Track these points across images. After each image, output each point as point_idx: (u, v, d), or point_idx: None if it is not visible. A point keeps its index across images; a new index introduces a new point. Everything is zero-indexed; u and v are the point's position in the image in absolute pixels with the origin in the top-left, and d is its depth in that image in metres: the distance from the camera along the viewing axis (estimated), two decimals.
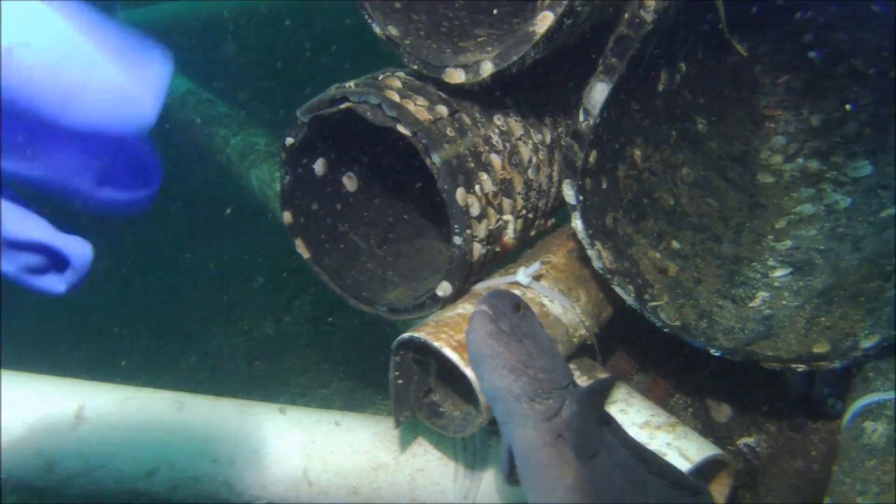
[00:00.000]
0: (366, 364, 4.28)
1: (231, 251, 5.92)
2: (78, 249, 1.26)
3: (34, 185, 1.14)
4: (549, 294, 2.82)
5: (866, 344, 2.58)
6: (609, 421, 2.10)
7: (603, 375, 2.97)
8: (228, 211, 5.45)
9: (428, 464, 3.05)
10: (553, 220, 3.19)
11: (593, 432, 1.95)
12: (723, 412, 3.18)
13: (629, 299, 2.77)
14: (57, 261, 1.24)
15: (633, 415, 2.78)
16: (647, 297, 2.78)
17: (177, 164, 6.17)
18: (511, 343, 1.90)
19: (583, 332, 2.90)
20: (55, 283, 1.26)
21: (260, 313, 5.32)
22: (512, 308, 1.96)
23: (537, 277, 2.85)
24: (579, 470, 1.92)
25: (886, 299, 2.66)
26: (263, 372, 4.65)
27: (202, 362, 4.95)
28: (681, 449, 2.63)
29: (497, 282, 2.85)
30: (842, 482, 2.38)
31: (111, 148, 1.17)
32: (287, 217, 3.02)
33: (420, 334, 2.60)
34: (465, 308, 2.73)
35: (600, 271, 2.79)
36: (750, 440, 3.10)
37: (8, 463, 2.77)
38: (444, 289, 2.76)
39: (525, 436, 1.95)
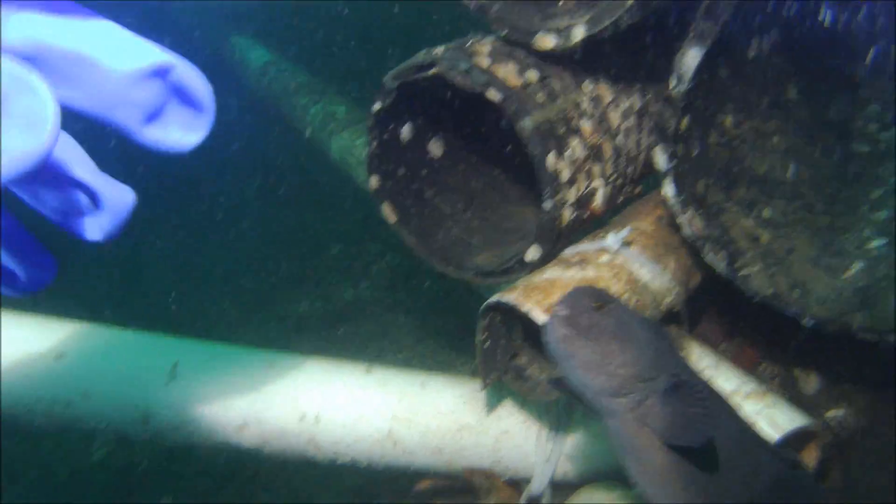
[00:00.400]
0: (444, 329, 4.33)
1: (310, 219, 6.01)
2: (118, 195, 1.14)
3: (79, 115, 1.04)
4: (639, 260, 2.82)
5: None
6: (712, 396, 2.10)
7: (690, 343, 2.96)
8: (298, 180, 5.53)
9: (512, 426, 3.09)
10: (641, 187, 3.17)
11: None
12: (811, 383, 3.13)
13: (720, 267, 2.75)
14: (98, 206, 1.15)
15: (722, 382, 2.76)
16: (738, 265, 2.75)
17: (258, 135, 6.30)
18: (586, 344, 1.91)
19: (671, 299, 2.89)
20: (91, 229, 1.15)
21: (338, 279, 5.40)
22: (591, 305, 1.97)
23: (627, 243, 2.85)
24: (668, 454, 1.95)
25: None
26: (342, 336, 4.73)
27: (281, 325, 5.07)
28: (771, 417, 2.62)
29: (586, 247, 2.85)
30: None
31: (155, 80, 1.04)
32: (374, 181, 3.06)
33: (509, 297, 2.63)
34: (553, 273, 2.74)
35: (691, 238, 2.77)
36: (838, 413, 3.05)
37: (104, 414, 2.89)
38: (532, 253, 2.77)
39: (611, 425, 2.01)
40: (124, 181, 1.14)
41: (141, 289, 5.85)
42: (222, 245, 6.11)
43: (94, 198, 1.12)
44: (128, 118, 1.02)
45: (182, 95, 1.07)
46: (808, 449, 2.78)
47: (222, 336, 3.16)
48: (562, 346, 1.95)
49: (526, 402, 3.10)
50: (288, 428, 3.00)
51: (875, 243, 2.90)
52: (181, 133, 1.08)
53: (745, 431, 2.13)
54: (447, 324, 4.28)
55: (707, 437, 1.94)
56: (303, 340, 4.09)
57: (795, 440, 2.72)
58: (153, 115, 1.04)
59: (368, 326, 4.74)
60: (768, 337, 3.24)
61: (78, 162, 1.11)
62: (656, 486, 2.03)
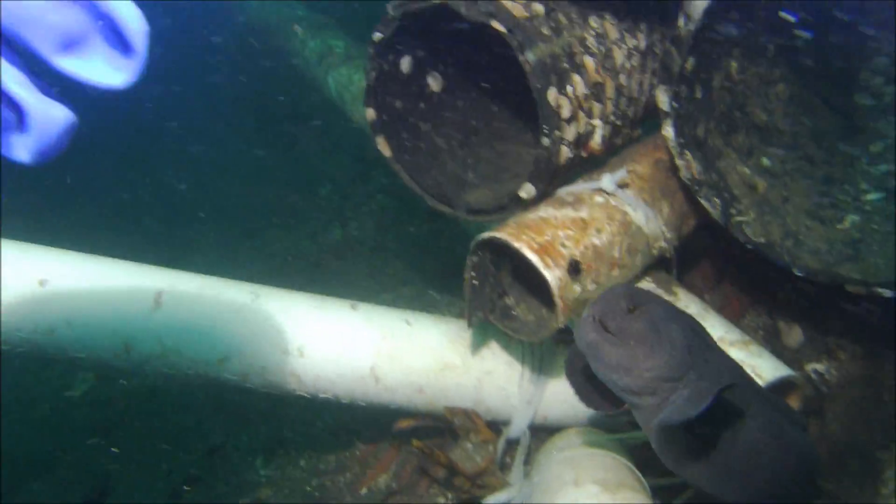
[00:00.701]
0: (431, 271, 4.30)
1: (302, 157, 5.94)
2: (49, 113, 1.06)
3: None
4: (633, 202, 2.79)
5: None
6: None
7: (678, 290, 2.94)
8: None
9: (495, 367, 3.08)
10: (640, 130, 3.12)
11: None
12: (794, 336, 3.14)
13: (715, 213, 2.72)
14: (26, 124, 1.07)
15: (708, 331, 2.75)
16: (733, 211, 2.73)
17: (255, 69, 6.20)
18: (614, 348, 1.96)
19: (663, 243, 2.87)
20: (18, 149, 1.07)
21: (327, 218, 5.36)
22: (623, 308, 2.00)
23: (622, 185, 2.81)
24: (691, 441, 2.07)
25: None
26: (329, 275, 4.70)
27: (269, 263, 5.03)
28: (754, 367, 2.62)
29: (581, 187, 2.81)
30: None
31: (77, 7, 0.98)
32: (370, 114, 3.00)
33: (500, 234, 2.59)
34: (546, 212, 2.71)
35: (687, 182, 2.74)
36: (820, 366, 3.06)
37: (86, 342, 2.84)
38: (527, 190, 2.73)
39: (636, 414, 2.12)
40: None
41: (131, 219, 5.80)
42: (212, 180, 6.06)
43: (20, 114, 1.05)
44: (41, 41, 0.98)
45: (114, 33, 1.02)
46: (789, 400, 2.79)
47: (209, 271, 3.12)
48: (591, 348, 2.00)
49: (510, 343, 3.09)
50: (270, 361, 2.97)
51: (871, 196, 2.88)
52: (105, 70, 1.04)
53: (778, 416, 2.21)
54: (435, 266, 4.25)
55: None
56: (289, 278, 4.04)
57: (777, 391, 2.72)
58: (71, 44, 1.01)
59: (356, 266, 4.71)
60: (755, 289, 3.24)
61: (6, 74, 1.04)
62: (681, 466, 2.13)
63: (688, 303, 2.89)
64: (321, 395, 3.07)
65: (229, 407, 4.12)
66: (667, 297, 2.89)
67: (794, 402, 2.79)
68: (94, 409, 4.42)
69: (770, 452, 2.13)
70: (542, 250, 2.54)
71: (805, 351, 3.12)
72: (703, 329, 2.17)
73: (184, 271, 3.07)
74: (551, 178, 2.74)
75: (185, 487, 3.84)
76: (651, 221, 2.81)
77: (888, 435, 2.66)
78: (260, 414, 4.01)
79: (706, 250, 3.28)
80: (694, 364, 2.00)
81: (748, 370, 2.59)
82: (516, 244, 2.54)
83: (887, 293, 2.58)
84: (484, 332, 3.09)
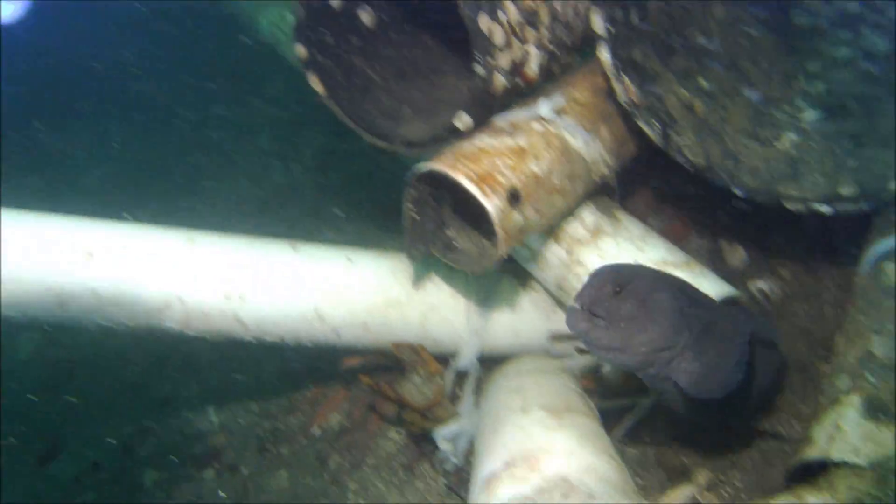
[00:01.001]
0: (374, 209, 4.24)
1: (241, 101, 5.79)
2: None
3: None
4: (572, 128, 2.76)
5: (895, 186, 2.52)
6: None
7: (620, 214, 2.93)
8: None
9: (440, 300, 3.06)
10: (576, 57, 3.08)
11: None
12: (737, 256, 3.16)
13: (654, 135, 2.70)
14: None
15: (650, 252, 2.75)
16: (672, 134, 2.71)
17: (185, 16, 6.01)
18: (606, 332, 2.04)
19: (604, 169, 2.85)
20: None
21: (269, 162, 5.25)
22: (609, 291, 2.06)
23: (560, 112, 2.77)
24: None
25: None
26: (273, 218, 4.62)
27: (211, 209, 4.93)
28: (697, 287, 2.61)
29: (518, 114, 2.77)
30: (857, 321, 2.38)
31: None
32: (300, 51, 2.91)
33: (437, 165, 2.55)
34: (483, 141, 2.66)
35: (626, 105, 2.71)
36: (763, 285, 3.09)
37: (18, 300, 2.75)
38: (463, 120, 2.68)
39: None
40: None
41: (69, 173, 5.65)
42: (149, 129, 5.90)
43: None
44: None
45: None
46: None
47: (150, 222, 3.02)
48: (584, 338, 2.07)
49: (454, 276, 3.06)
50: (212, 307, 2.90)
51: (809, 115, 2.88)
52: None
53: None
54: (378, 204, 4.18)
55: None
56: (232, 223, 3.96)
57: None
58: None
59: (299, 208, 4.63)
60: (697, 211, 3.25)
61: None
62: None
63: (629, 226, 2.88)
64: (267, 339, 3.02)
65: (176, 358, 4.07)
66: (608, 221, 2.88)
67: None
68: (41, 368, 4.33)
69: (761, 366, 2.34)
70: (481, 180, 2.50)
71: (748, 270, 3.14)
72: (688, 285, 2.25)
73: (116, 221, 2.98)
74: (487, 107, 2.69)
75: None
76: (591, 147, 2.79)
77: (827, 347, 2.70)
78: (208, 362, 3.96)
79: (648, 175, 3.27)
80: (688, 325, 2.07)
81: None
82: (454, 174, 2.50)
83: (825, 209, 2.59)
84: (427, 265, 3.06)
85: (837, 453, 1.96)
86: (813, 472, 1.98)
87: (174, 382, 4.03)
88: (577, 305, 2.07)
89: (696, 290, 2.25)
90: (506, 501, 1.81)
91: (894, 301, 2.33)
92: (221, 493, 3.44)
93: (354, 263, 3.09)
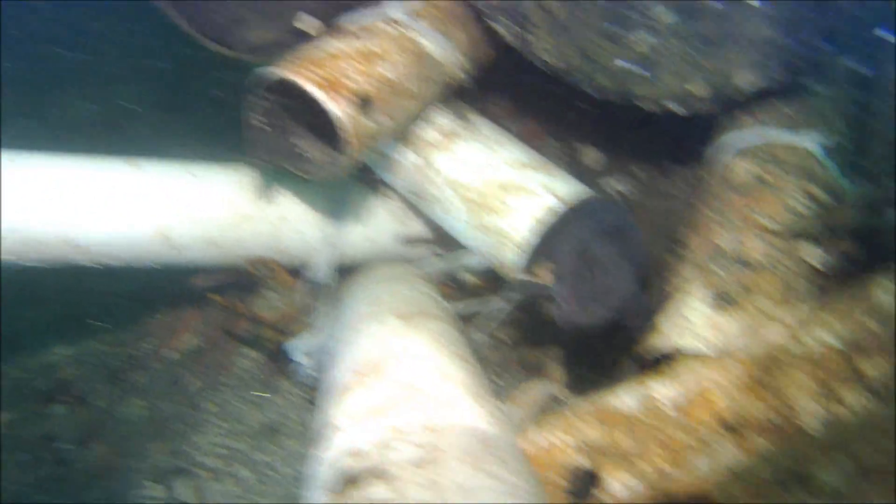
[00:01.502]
0: (225, 125, 4.03)
1: (83, 20, 5.39)
2: None
3: None
4: (427, 32, 2.65)
5: (745, 86, 2.55)
6: None
7: (475, 118, 2.87)
8: None
9: (291, 212, 2.93)
10: None
11: None
12: (593, 157, 3.16)
13: (511, 39, 2.64)
14: None
15: (505, 154, 2.71)
16: (529, 37, 2.64)
17: None
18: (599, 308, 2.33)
19: (458, 73, 2.76)
20: None
21: (113, 81, 4.92)
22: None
23: (415, 15, 2.66)
24: None
25: (769, 45, 2.61)
26: (118, 137, 4.35)
27: (51, 130, 4.60)
28: (553, 189, 2.59)
29: (370, 18, 2.64)
30: (704, 215, 2.41)
31: None
32: None
33: (280, 70, 2.41)
34: (330, 44, 2.52)
35: (483, 9, 2.63)
36: (620, 186, 3.10)
37: None
38: (307, 23, 2.54)
39: None
40: None
41: None
42: None
43: None
44: None
45: None
46: None
47: None
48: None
49: (305, 186, 2.93)
50: (48, 235, 2.68)
51: (663, 16, 2.86)
52: None
53: None
54: (228, 120, 3.98)
55: None
56: (76, 145, 3.70)
57: None
58: None
59: (146, 127, 4.37)
60: (555, 115, 3.22)
61: None
62: None
63: (483, 129, 2.83)
64: (110, 264, 2.83)
65: (15, 290, 3.79)
66: (461, 124, 2.81)
67: None
68: None
69: None
70: (328, 84, 2.37)
71: (604, 171, 3.15)
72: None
73: None
74: (335, 8, 2.55)
75: None
76: (446, 51, 2.69)
77: (679, 242, 2.75)
78: (53, 292, 3.71)
79: (505, 79, 3.21)
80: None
81: (549, 193, 2.59)
82: (298, 79, 2.37)
83: (679, 109, 2.60)
84: (276, 177, 2.91)
85: (682, 342, 1.99)
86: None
87: (14, 315, 3.77)
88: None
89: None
90: (356, 411, 1.76)
91: (739, 196, 2.36)
92: (72, 428, 3.28)
93: (199, 179, 2.91)
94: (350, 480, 1.40)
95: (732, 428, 1.49)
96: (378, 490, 1.35)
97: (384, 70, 2.51)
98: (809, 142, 2.40)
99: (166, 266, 2.90)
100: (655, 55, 2.76)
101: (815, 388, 1.46)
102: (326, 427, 1.73)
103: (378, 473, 1.37)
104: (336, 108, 2.35)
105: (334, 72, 2.42)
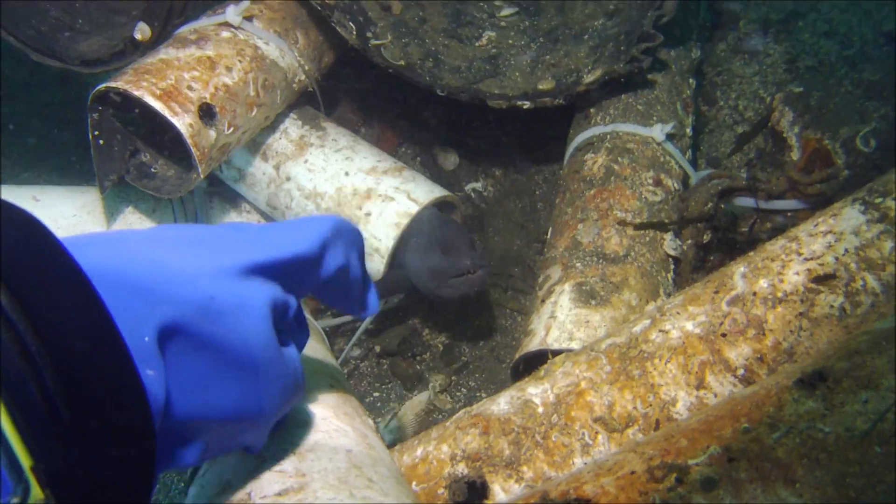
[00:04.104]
0: (67, 144, 3.80)
1: None
2: None
3: None
4: (264, 35, 2.56)
5: (589, 79, 2.58)
6: None
7: (326, 124, 2.80)
8: None
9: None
10: None
11: None
12: (450, 160, 3.15)
13: (350, 37, 2.58)
14: None
15: (359, 161, 2.65)
16: (369, 35, 2.59)
17: None
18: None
19: (302, 77, 2.69)
20: None
21: None
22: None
23: (249, 17, 2.57)
24: None
25: (609, 36, 2.66)
26: None
27: None
28: (408, 192, 2.56)
29: (205, 23, 2.53)
30: (564, 212, 2.43)
31: None
32: None
33: (117, 83, 2.28)
34: (168, 53, 2.41)
35: (319, 7, 2.56)
36: (477, 185, 3.11)
37: None
38: (142, 31, 2.42)
39: None
40: None
41: None
42: None
43: None
44: None
45: None
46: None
47: None
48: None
49: (159, 205, 2.79)
50: None
51: (505, 12, 2.88)
52: None
53: None
54: (72, 138, 3.75)
55: None
56: None
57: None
58: None
59: None
60: (407, 119, 3.19)
61: None
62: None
63: (337, 136, 2.76)
64: None
65: None
66: (314, 132, 2.74)
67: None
68: None
69: None
70: (167, 95, 2.26)
71: (462, 172, 3.14)
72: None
73: None
74: (167, 16, 2.44)
75: None
76: (286, 54, 2.61)
77: (541, 241, 2.77)
78: None
79: (356, 84, 3.16)
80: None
81: (403, 196, 2.56)
82: (136, 91, 2.24)
83: (525, 104, 2.61)
84: (126, 196, 2.77)
85: (554, 341, 2.00)
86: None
87: None
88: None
89: None
90: None
91: (595, 190, 2.40)
92: None
93: (41, 202, 2.73)
94: None
95: (604, 422, 1.50)
96: None
97: (224, 77, 2.42)
98: (656, 132, 2.46)
99: None
100: (501, 52, 2.78)
101: (681, 375, 1.49)
102: None
103: None
104: (178, 119, 2.24)
105: (173, 82, 2.31)
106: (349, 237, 1.13)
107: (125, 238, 0.87)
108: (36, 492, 0.59)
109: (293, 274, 1.00)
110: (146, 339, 0.74)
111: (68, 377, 0.63)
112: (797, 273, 1.50)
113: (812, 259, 1.51)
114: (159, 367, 0.74)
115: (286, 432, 1.42)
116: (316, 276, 1.06)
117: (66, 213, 2.74)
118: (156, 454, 0.71)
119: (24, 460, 0.58)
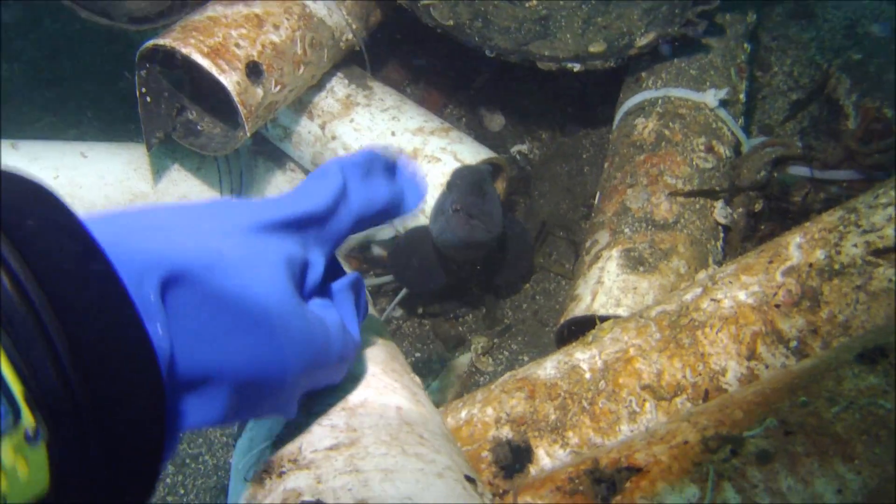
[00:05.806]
0: (110, 103, 3.82)
1: None
2: None
3: None
4: None
5: (642, 42, 2.53)
6: None
7: (373, 84, 2.78)
8: None
9: (191, 190, 2.81)
10: None
11: None
12: (496, 121, 3.11)
13: None
14: None
15: (406, 121, 2.64)
16: None
17: None
18: (480, 229, 2.29)
19: (350, 35, 2.67)
20: None
21: None
22: (478, 194, 2.30)
23: None
24: None
25: None
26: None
27: None
28: (455, 153, 2.55)
29: None
30: (613, 177, 2.40)
31: None
32: None
33: (165, 40, 2.28)
34: (215, 10, 2.40)
35: None
36: (523, 147, 3.07)
37: None
38: None
39: None
40: None
41: None
42: None
43: None
44: None
45: None
46: (497, 182, 2.78)
47: None
48: (466, 239, 2.31)
49: (204, 163, 2.81)
50: None
51: None
52: None
53: None
54: (114, 95, 3.77)
55: None
56: None
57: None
58: None
59: (29, 104, 4.11)
60: (453, 79, 3.16)
61: None
62: None
63: (383, 96, 2.74)
64: None
65: None
66: (361, 92, 2.73)
67: (500, 185, 2.79)
68: None
69: None
70: (214, 53, 2.25)
71: (508, 134, 3.11)
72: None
73: None
74: None
75: None
76: (334, 13, 2.59)
77: (588, 205, 2.73)
78: None
79: (403, 44, 3.12)
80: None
81: (449, 156, 2.54)
82: (184, 49, 2.24)
83: (576, 67, 2.57)
84: (172, 154, 2.79)
85: (600, 307, 1.98)
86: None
87: None
88: (457, 209, 2.24)
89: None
90: None
91: (645, 155, 2.36)
92: None
93: (89, 158, 2.76)
94: (266, 469, 1.33)
95: (652, 390, 1.48)
96: (296, 478, 1.28)
97: (272, 35, 2.41)
98: (709, 97, 2.41)
99: None
100: (551, 13, 2.73)
101: (732, 345, 1.46)
102: None
103: (294, 459, 1.31)
104: (225, 77, 2.24)
105: (221, 39, 2.30)
106: (361, 169, 1.09)
107: (131, 209, 0.86)
108: (27, 417, 0.59)
109: (310, 228, 0.98)
110: (151, 286, 0.73)
111: (72, 323, 0.62)
112: (855, 245, 1.46)
113: (871, 231, 1.47)
114: (161, 317, 0.74)
115: (335, 387, 1.42)
116: (339, 224, 1.03)
117: (114, 168, 2.76)
118: (165, 399, 0.71)
119: (16, 386, 0.58)
